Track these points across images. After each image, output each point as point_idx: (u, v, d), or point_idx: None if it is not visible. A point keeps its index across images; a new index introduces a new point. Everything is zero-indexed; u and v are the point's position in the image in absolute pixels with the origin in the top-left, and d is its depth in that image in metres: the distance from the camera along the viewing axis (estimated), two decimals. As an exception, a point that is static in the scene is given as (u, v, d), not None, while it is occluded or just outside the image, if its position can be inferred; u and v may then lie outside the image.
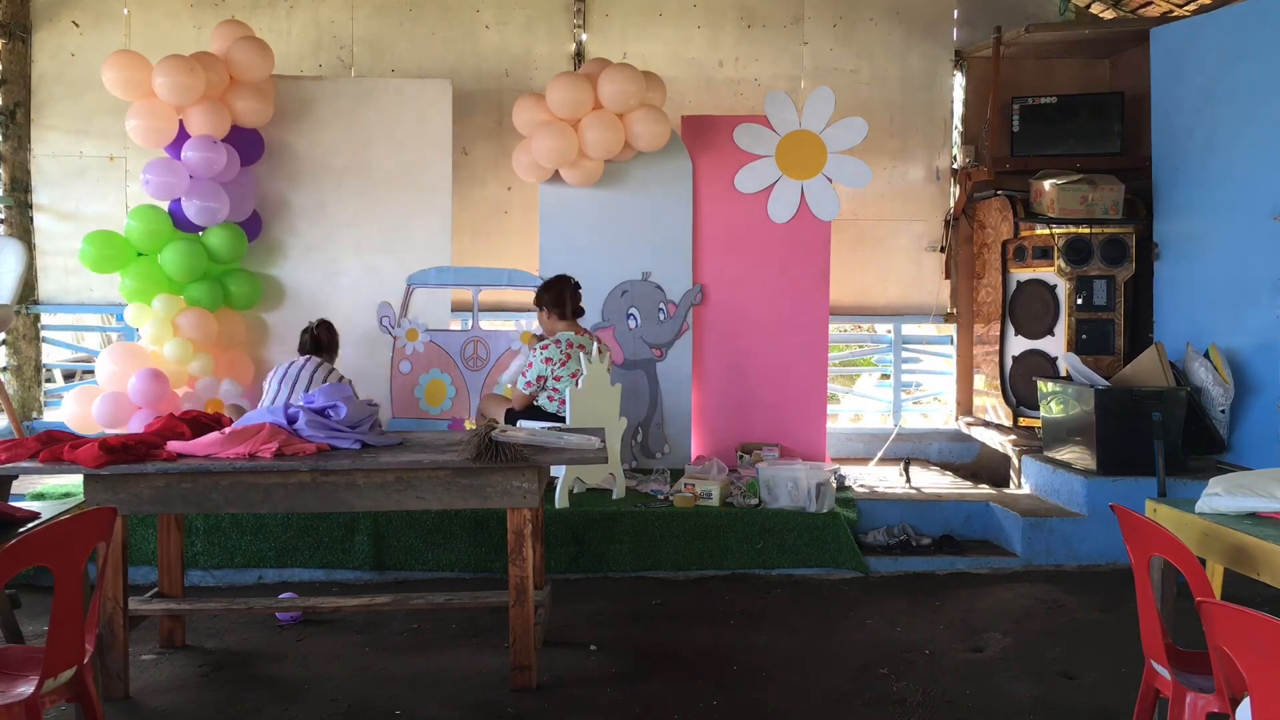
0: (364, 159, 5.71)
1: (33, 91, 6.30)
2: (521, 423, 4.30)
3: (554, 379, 4.77)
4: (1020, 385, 6.05)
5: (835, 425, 6.80)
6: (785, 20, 6.50)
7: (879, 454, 6.37)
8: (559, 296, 4.88)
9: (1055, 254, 5.80)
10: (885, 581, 4.62)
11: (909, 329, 6.84)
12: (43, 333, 6.63)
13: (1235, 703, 2.09)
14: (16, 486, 3.94)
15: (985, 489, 5.66)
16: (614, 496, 4.96)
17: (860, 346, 7.82)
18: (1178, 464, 4.93)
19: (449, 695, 3.31)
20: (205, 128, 5.14)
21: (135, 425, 5.00)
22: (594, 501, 4.90)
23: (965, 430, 6.40)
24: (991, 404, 6.28)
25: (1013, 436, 5.90)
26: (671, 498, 4.90)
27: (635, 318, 5.70)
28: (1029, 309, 6.02)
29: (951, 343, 6.72)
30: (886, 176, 6.54)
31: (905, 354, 6.84)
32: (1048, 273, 5.89)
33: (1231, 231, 5.23)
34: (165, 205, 5.31)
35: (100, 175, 6.31)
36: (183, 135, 5.20)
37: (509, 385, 4.93)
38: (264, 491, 3.27)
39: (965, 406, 6.55)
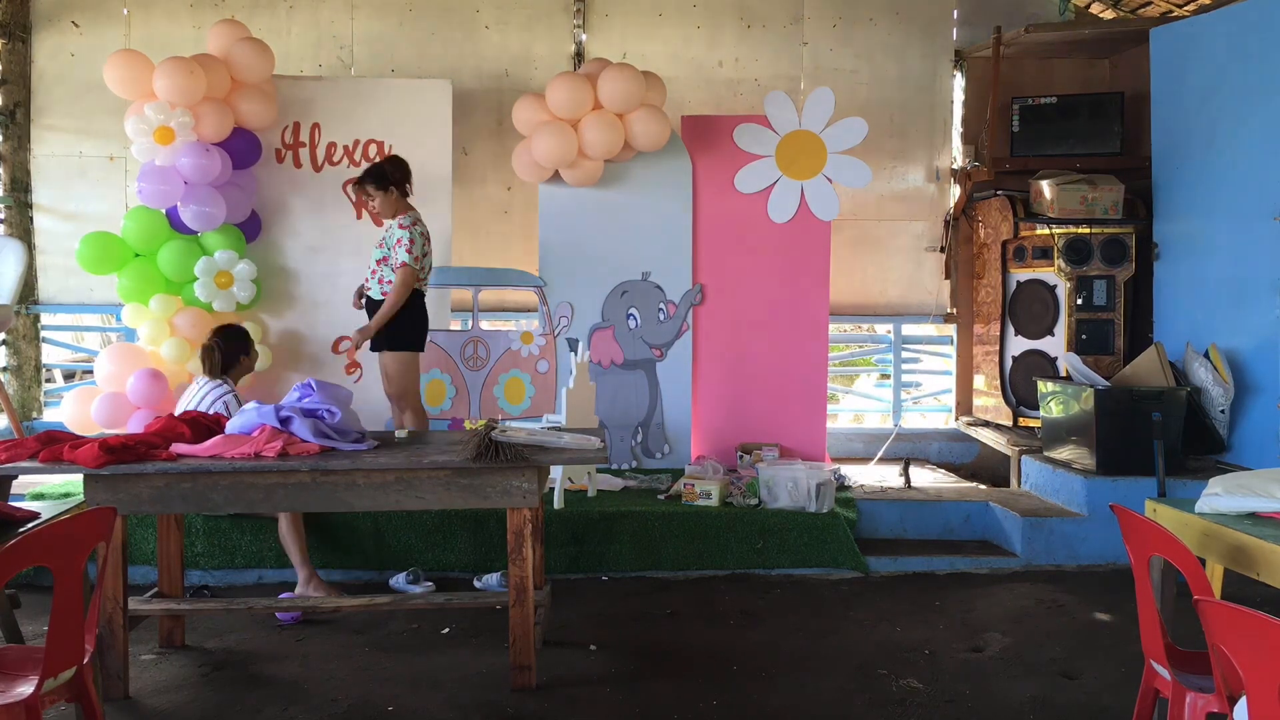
0: (363, 159, 5.70)
1: (33, 91, 6.30)
2: (512, 423, 4.29)
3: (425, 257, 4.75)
4: (1020, 385, 6.05)
5: (835, 425, 6.80)
6: (785, 20, 6.50)
7: (879, 454, 6.38)
8: (408, 172, 4.84)
9: (1055, 254, 5.80)
10: (885, 581, 4.62)
11: (909, 329, 6.84)
12: (43, 333, 6.64)
13: (1234, 701, 2.09)
14: (16, 486, 3.94)
15: (985, 489, 5.66)
16: (589, 495, 4.97)
17: (860, 346, 7.82)
18: (1178, 464, 4.94)
19: (449, 695, 3.31)
20: (209, 129, 5.13)
21: (135, 425, 5.00)
22: (594, 501, 4.90)
23: (965, 430, 6.40)
24: (991, 404, 6.29)
25: (1012, 436, 5.91)
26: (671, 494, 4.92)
27: (635, 318, 5.70)
28: (1029, 309, 6.02)
29: (951, 343, 6.72)
30: (886, 176, 6.54)
31: (905, 354, 6.85)
32: (1048, 273, 5.89)
33: (1231, 231, 5.23)
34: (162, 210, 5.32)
35: (100, 175, 6.31)
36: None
37: (403, 262, 4.65)
38: (264, 491, 3.27)
39: (965, 407, 6.54)
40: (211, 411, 4.14)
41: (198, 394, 4.31)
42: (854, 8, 6.50)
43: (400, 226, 4.70)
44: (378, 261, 4.77)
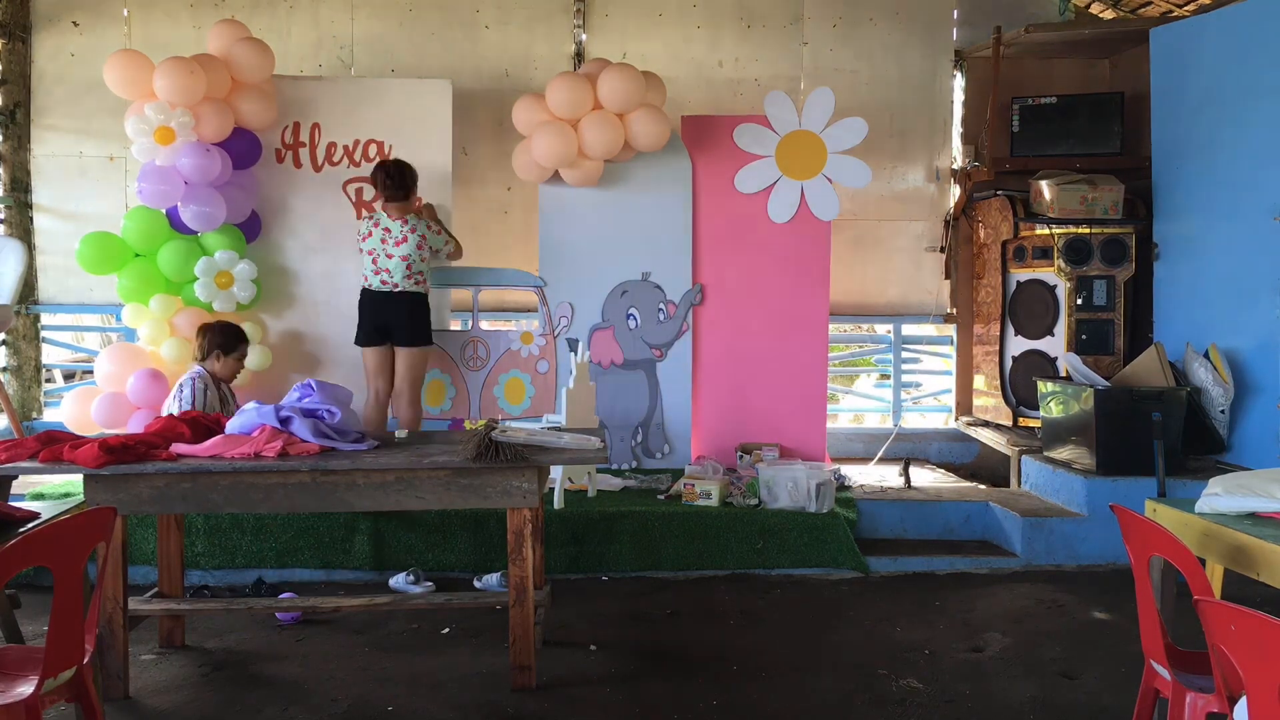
0: (363, 159, 5.71)
1: (33, 91, 6.30)
2: (512, 423, 4.28)
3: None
4: (1020, 385, 6.05)
5: (835, 425, 6.80)
6: (785, 20, 6.50)
7: (879, 454, 6.37)
8: (414, 179, 5.12)
9: (1055, 254, 5.80)
10: (885, 581, 4.62)
11: (909, 329, 6.84)
12: (43, 333, 6.64)
13: (1234, 702, 2.09)
14: (16, 486, 3.94)
15: (985, 489, 5.66)
16: (589, 495, 4.97)
17: (860, 346, 7.83)
18: (1178, 464, 4.93)
19: (449, 695, 3.31)
20: (209, 129, 5.13)
21: (135, 425, 5.00)
22: (594, 501, 4.90)
23: (965, 430, 6.40)
24: (991, 404, 6.28)
25: (1012, 436, 5.91)
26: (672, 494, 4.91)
27: (635, 318, 5.70)
28: (1029, 309, 6.02)
29: (951, 343, 6.72)
30: (886, 176, 6.54)
31: (905, 354, 6.84)
32: (1048, 273, 5.89)
33: (1231, 231, 5.24)
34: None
35: (100, 175, 6.31)
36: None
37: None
38: (264, 491, 3.27)
39: (965, 406, 6.54)
40: (175, 391, 4.50)
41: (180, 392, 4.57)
42: (854, 8, 6.50)
43: (423, 223, 5.08)
44: (404, 258, 4.98)
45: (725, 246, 5.72)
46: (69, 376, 7.46)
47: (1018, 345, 6.09)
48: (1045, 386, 5.39)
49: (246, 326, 5.50)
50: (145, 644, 3.73)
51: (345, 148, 5.70)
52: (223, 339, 4.67)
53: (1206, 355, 5.18)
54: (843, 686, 3.40)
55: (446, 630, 3.93)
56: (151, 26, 6.28)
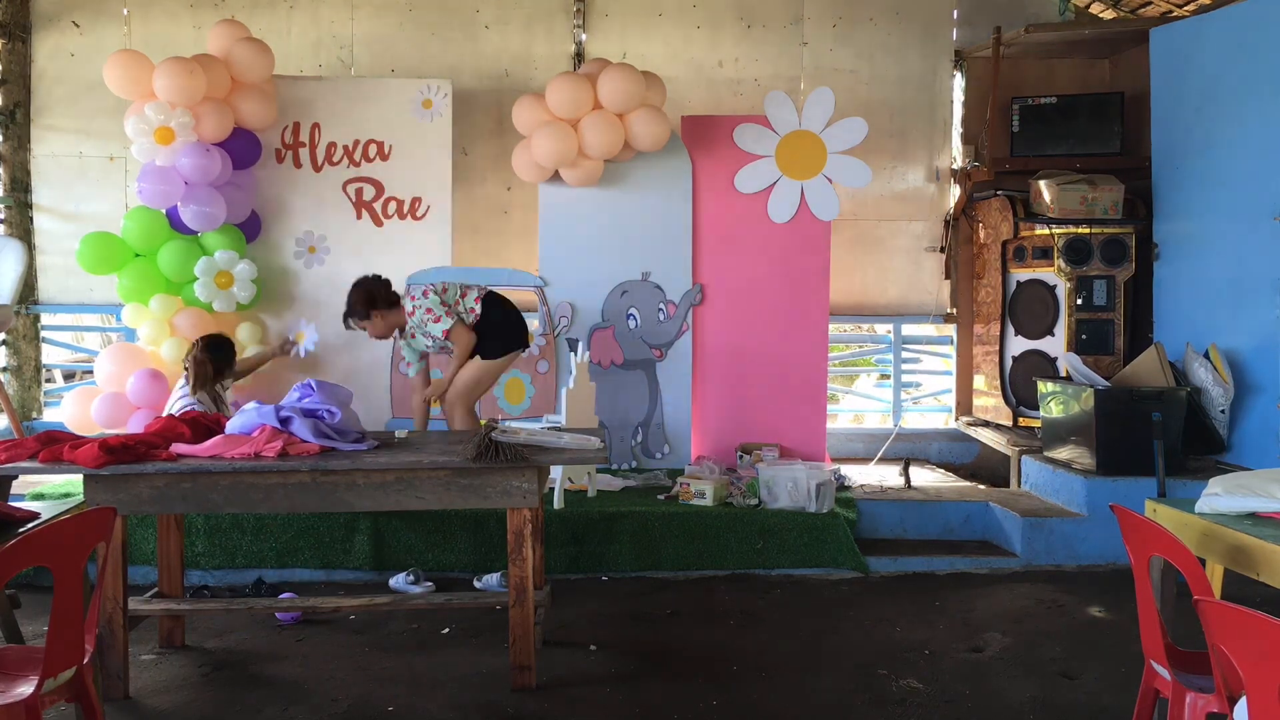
0: (363, 159, 5.71)
1: (33, 91, 6.30)
2: (512, 423, 4.27)
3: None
4: (1020, 385, 6.05)
5: (835, 425, 6.80)
6: (785, 20, 6.50)
7: (879, 454, 6.37)
8: (371, 295, 4.64)
9: (1055, 254, 5.80)
10: (885, 581, 4.62)
11: (909, 329, 6.84)
12: (43, 333, 6.64)
13: (1234, 702, 2.09)
14: (16, 486, 3.94)
15: (985, 489, 5.66)
16: (589, 495, 4.97)
17: (860, 346, 7.83)
18: (1178, 464, 4.93)
19: (449, 695, 3.31)
20: (209, 129, 5.13)
21: (135, 425, 5.00)
22: (594, 501, 4.90)
23: (965, 430, 6.40)
24: (991, 404, 6.28)
25: (1012, 436, 5.91)
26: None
27: (635, 318, 5.70)
28: (1029, 309, 6.02)
29: (951, 343, 6.72)
30: (886, 177, 6.54)
31: (905, 354, 6.84)
32: (1047, 273, 5.89)
33: (1231, 231, 5.23)
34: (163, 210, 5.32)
35: (100, 175, 6.31)
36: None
37: (445, 331, 4.64)
38: (264, 491, 3.27)
39: (965, 406, 6.54)
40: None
41: (171, 405, 4.58)
42: (854, 8, 6.50)
43: (411, 315, 4.68)
44: (421, 355, 4.89)
45: (725, 246, 5.72)
46: (69, 376, 7.46)
47: (1018, 345, 6.09)
48: (1045, 386, 5.39)
49: (246, 326, 5.53)
50: (145, 644, 3.73)
51: (345, 148, 5.70)
52: (224, 354, 4.76)
53: (1206, 355, 5.18)
54: (843, 686, 3.40)
55: (446, 630, 3.93)
56: (151, 26, 6.28)
